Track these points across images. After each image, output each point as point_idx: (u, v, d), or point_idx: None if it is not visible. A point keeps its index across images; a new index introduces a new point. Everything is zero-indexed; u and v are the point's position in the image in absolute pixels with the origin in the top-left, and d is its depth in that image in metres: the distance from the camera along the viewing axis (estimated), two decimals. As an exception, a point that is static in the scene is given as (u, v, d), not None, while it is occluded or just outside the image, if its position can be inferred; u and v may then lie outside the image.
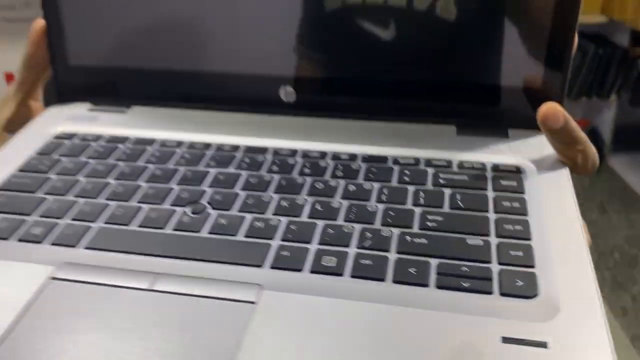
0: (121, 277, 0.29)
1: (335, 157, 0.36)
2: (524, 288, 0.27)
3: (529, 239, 0.30)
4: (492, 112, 0.39)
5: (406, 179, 0.35)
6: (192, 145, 0.37)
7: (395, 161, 0.36)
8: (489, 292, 0.27)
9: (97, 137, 0.38)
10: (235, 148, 0.37)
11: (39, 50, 0.41)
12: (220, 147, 0.37)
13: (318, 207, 0.32)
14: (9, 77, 1.37)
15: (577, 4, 0.36)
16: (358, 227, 0.31)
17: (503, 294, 0.27)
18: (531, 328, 0.25)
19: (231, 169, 0.35)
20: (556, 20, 0.36)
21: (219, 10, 0.38)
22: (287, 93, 0.39)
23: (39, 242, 0.31)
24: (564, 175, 0.35)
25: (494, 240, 0.30)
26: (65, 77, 0.41)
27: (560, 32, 0.36)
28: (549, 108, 0.35)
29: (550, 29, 0.36)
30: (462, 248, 0.30)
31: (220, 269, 0.29)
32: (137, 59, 0.41)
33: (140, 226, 0.32)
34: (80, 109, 0.41)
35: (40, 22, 0.41)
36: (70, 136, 0.39)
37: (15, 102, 0.42)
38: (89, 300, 0.28)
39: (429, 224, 0.31)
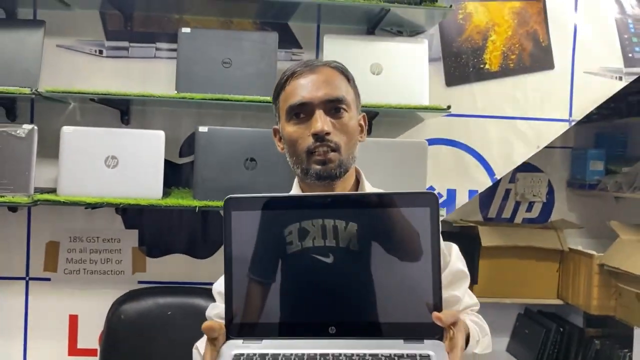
0: None
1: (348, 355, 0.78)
2: None
3: None
4: (412, 331, 0.81)
5: None
6: (296, 355, 0.79)
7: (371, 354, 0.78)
8: None
9: (253, 354, 0.80)
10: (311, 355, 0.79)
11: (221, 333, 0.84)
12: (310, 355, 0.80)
13: None
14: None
15: (439, 276, 0.81)
16: None
17: None
18: None
19: None
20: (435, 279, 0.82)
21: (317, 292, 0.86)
22: (332, 329, 0.83)
23: None
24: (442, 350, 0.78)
25: None
26: (230, 332, 0.84)
27: (437, 287, 0.81)
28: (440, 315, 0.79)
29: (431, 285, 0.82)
30: None
31: None
32: (267, 318, 0.84)
33: None
34: (239, 341, 0.83)
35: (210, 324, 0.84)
36: (240, 354, 0.81)
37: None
38: None
39: None
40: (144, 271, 2.09)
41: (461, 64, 2.17)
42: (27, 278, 2.07)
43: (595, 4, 2.24)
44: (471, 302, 1.21)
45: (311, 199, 0.86)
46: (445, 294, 1.10)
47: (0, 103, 1.97)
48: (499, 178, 2.20)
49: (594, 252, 2.74)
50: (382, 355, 0.76)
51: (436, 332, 0.80)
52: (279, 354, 0.78)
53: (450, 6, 1.86)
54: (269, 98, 1.80)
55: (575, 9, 2.22)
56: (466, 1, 2.17)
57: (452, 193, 2.19)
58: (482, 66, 2.18)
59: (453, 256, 1.21)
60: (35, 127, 1.79)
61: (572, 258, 2.88)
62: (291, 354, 0.77)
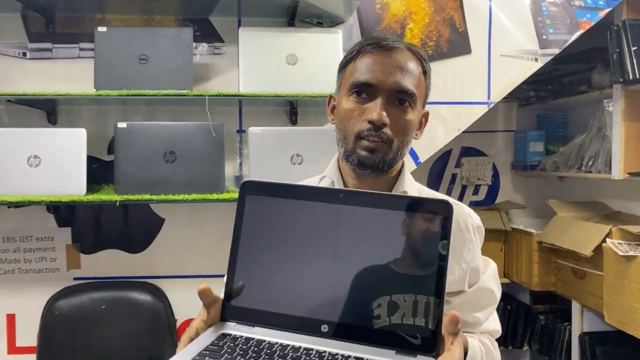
0: None
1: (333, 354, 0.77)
2: None
3: None
4: (406, 343, 0.77)
5: None
6: (281, 344, 0.78)
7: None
8: None
9: (240, 336, 0.80)
10: (296, 347, 0.78)
11: (216, 304, 0.82)
12: (294, 347, 0.78)
13: None
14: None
15: (442, 291, 0.76)
16: None
17: None
18: None
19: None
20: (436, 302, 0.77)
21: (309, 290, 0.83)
22: (324, 327, 0.80)
23: None
24: None
25: None
26: (225, 312, 0.83)
27: (437, 308, 0.76)
28: (455, 317, 0.76)
29: (433, 299, 0.77)
30: None
31: None
32: (263, 306, 0.82)
33: None
34: (231, 324, 0.82)
35: (205, 287, 0.81)
36: (228, 334, 0.80)
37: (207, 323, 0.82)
38: None
39: None
40: (78, 268, 2.13)
41: (381, 52, 2.22)
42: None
43: (510, -12, 2.31)
44: (492, 328, 1.10)
45: (329, 193, 0.84)
46: (466, 314, 1.03)
47: None
48: (422, 162, 2.25)
49: (533, 231, 2.82)
50: (367, 359, 0.74)
51: (431, 349, 0.76)
52: (264, 341, 0.77)
53: (358, -5, 1.92)
54: (185, 92, 1.88)
55: (491, -6, 2.29)
56: (384, -10, 2.24)
57: (378, 178, 2.24)
58: (401, 53, 2.23)
59: (487, 274, 1.10)
60: (-46, 130, 1.83)
61: (515, 237, 2.97)
62: (276, 343, 0.77)
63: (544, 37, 2.24)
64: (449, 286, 0.99)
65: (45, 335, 1.99)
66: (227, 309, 0.83)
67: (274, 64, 1.95)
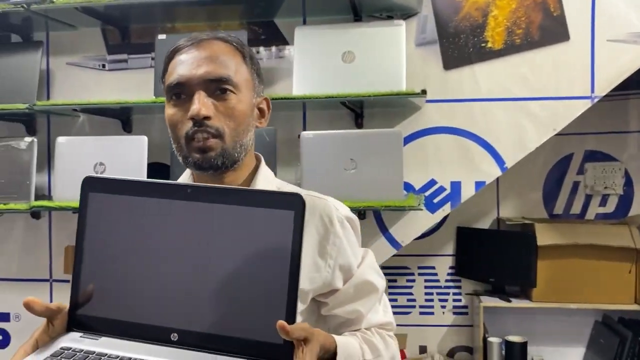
0: None
1: None
2: None
3: None
4: (260, 350, 0.72)
5: None
6: (121, 358, 0.73)
7: None
8: None
9: (80, 350, 0.74)
10: None
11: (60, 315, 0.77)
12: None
13: None
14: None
15: (295, 292, 0.71)
16: None
17: None
18: None
19: None
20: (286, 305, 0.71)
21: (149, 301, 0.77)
22: (174, 336, 0.75)
23: None
24: None
25: None
26: (71, 322, 0.78)
27: (291, 301, 0.71)
28: (285, 325, 0.68)
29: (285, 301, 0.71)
30: None
31: None
32: (107, 314, 0.77)
33: None
34: (76, 335, 0.77)
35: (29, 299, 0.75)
36: (67, 348, 0.75)
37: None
38: None
39: None
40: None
41: (460, 45, 1.99)
42: (51, 280, 2.25)
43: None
44: (382, 320, 1.05)
45: (174, 188, 0.78)
46: (345, 308, 1.01)
47: (16, 119, 2.17)
48: (509, 167, 1.97)
49: (671, 250, 2.39)
50: None
51: (285, 356, 0.71)
52: (104, 354, 0.73)
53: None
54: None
55: (594, -31, 1.96)
56: (464, -23, 2.00)
57: (456, 186, 2.01)
58: (483, 45, 1.98)
59: (363, 266, 1.05)
60: (35, 139, 1.96)
61: (650, 258, 2.53)
62: (117, 356, 0.72)
63: (666, 14, 1.85)
64: (320, 286, 0.98)
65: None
66: (72, 319, 0.77)
67: (329, 63, 1.83)
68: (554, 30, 1.93)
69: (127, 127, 2.16)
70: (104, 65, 2.19)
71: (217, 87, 0.94)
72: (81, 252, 0.79)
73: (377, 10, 1.98)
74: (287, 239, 0.72)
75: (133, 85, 2.16)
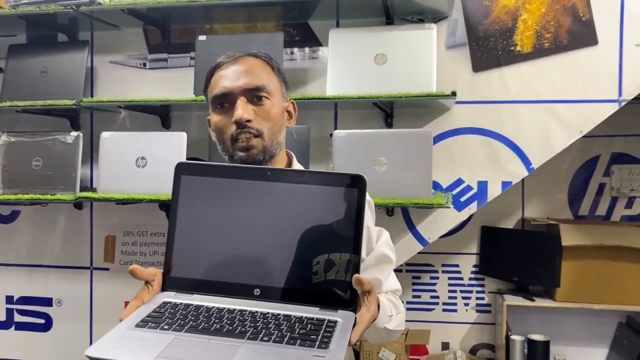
0: None
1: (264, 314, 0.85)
2: None
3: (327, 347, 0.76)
4: (329, 301, 0.87)
5: (284, 322, 0.83)
6: (217, 308, 0.86)
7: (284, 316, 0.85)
8: None
9: (180, 303, 0.87)
10: (231, 310, 0.86)
11: (156, 278, 0.91)
12: (229, 310, 0.86)
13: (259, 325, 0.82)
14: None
15: (359, 253, 0.87)
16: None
17: None
18: None
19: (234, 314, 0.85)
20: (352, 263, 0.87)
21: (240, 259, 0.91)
22: (257, 291, 0.89)
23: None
24: (352, 321, 0.83)
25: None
26: (165, 283, 0.91)
27: (356, 263, 0.87)
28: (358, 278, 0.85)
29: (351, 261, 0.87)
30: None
31: None
32: (201, 276, 0.90)
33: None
34: (171, 293, 0.90)
35: (133, 267, 0.90)
36: (168, 302, 0.87)
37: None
38: None
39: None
40: (185, 263, 2.27)
41: (489, 48, 2.04)
42: (91, 268, 2.36)
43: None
44: (394, 287, 1.25)
45: (255, 171, 0.92)
46: (367, 275, 1.14)
47: (62, 115, 2.28)
48: (535, 167, 2.02)
49: (698, 254, 2.39)
50: (294, 317, 0.83)
51: (350, 304, 0.87)
52: (202, 306, 0.85)
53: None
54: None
55: (624, -25, 1.98)
56: (495, -19, 2.05)
57: (483, 185, 2.06)
58: (512, 48, 2.03)
59: (381, 241, 1.24)
60: (80, 134, 2.06)
61: (673, 260, 2.53)
62: (213, 307, 0.85)
63: (695, 20, 1.88)
64: None
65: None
66: (167, 281, 0.90)
67: (362, 65, 1.89)
68: (582, 34, 1.97)
69: (165, 123, 2.25)
70: (145, 64, 2.29)
71: (254, 94, 1.13)
72: (174, 224, 0.91)
73: (409, 13, 2.04)
74: (352, 211, 0.88)
75: (172, 83, 2.25)
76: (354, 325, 0.83)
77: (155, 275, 0.90)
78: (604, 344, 2.60)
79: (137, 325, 0.79)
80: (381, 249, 1.23)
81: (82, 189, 2.09)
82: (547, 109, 1.99)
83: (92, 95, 2.32)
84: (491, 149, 2.06)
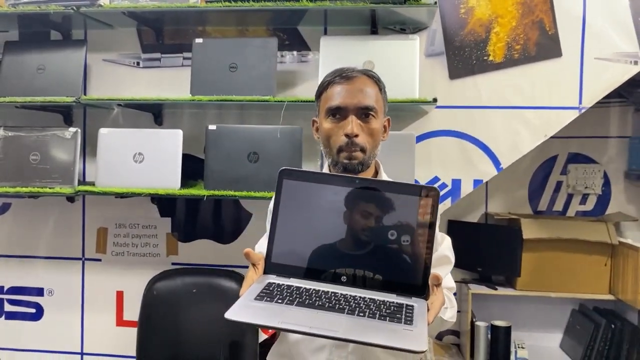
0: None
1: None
2: None
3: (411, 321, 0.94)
4: (405, 289, 1.04)
5: (371, 303, 1.00)
6: (313, 289, 1.03)
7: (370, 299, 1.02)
8: None
9: (283, 284, 1.04)
10: (325, 291, 1.04)
11: (261, 262, 1.09)
12: (324, 291, 1.03)
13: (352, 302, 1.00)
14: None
15: (431, 250, 1.04)
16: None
17: None
18: None
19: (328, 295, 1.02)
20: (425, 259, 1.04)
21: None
22: (344, 278, 1.06)
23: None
24: (425, 306, 1.01)
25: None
26: (268, 268, 1.08)
27: (429, 260, 1.04)
28: (438, 274, 1.03)
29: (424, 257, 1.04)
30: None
31: None
32: (297, 263, 1.08)
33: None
34: (272, 276, 1.07)
35: (248, 250, 1.10)
36: (272, 283, 1.04)
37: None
38: None
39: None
40: (176, 254, 2.38)
41: (464, 57, 2.22)
42: (83, 258, 2.44)
43: (607, -13, 2.18)
44: (450, 285, 1.40)
45: (345, 179, 1.09)
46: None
47: (57, 110, 2.35)
48: (504, 167, 2.21)
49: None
50: (378, 300, 1.00)
51: (423, 293, 1.03)
52: (301, 287, 1.03)
53: (435, 2, 1.94)
54: (267, 98, 2.03)
55: (585, -6, 2.19)
56: (470, -5, 2.22)
57: (457, 183, 2.24)
58: (485, 58, 2.21)
59: (444, 245, 1.40)
60: (79, 130, 2.14)
61: (622, 252, 2.76)
62: (310, 288, 1.02)
63: (646, 38, 2.09)
64: None
65: (145, 312, 2.25)
66: (270, 265, 1.08)
67: (352, 71, 2.03)
68: (548, 47, 2.17)
69: (158, 120, 2.35)
70: (138, 63, 2.38)
71: (364, 112, 1.30)
72: (275, 220, 1.09)
73: (392, 23, 2.19)
74: (427, 217, 1.04)
75: (165, 82, 2.35)
76: (427, 310, 0.99)
77: (260, 260, 1.08)
78: (559, 329, 2.77)
79: (256, 299, 0.98)
80: (444, 252, 1.39)
81: (77, 183, 2.17)
82: (515, 114, 2.19)
83: (85, 93, 2.39)
84: (465, 150, 2.24)
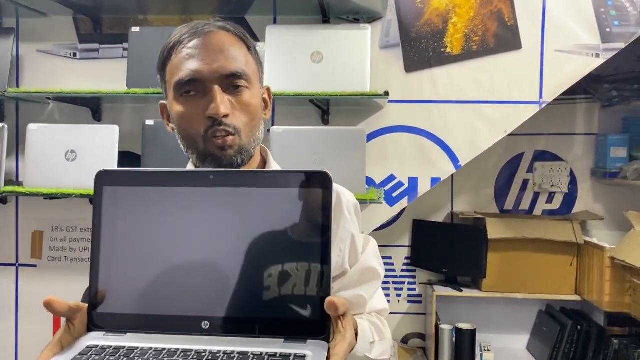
0: None
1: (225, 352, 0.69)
2: None
3: None
4: (294, 330, 0.71)
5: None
6: (155, 349, 0.70)
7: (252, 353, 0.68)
8: None
9: (108, 346, 0.70)
10: (172, 350, 0.70)
11: (79, 314, 0.73)
12: (170, 351, 0.69)
13: None
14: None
15: (328, 269, 0.70)
16: None
17: None
18: None
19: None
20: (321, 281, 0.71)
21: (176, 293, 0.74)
22: (205, 324, 0.72)
23: None
24: (325, 352, 0.68)
25: None
26: (91, 322, 0.74)
27: (323, 288, 0.70)
28: (331, 302, 0.67)
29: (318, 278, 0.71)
30: None
31: None
32: (130, 310, 0.73)
33: None
34: (99, 334, 0.73)
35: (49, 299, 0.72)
36: (94, 346, 0.70)
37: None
38: None
39: None
40: (117, 258, 2.23)
41: (421, 49, 2.11)
42: (17, 264, 2.28)
43: (567, -22, 2.10)
44: (380, 307, 1.07)
45: (194, 176, 0.75)
46: (349, 293, 0.99)
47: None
48: (463, 165, 2.11)
49: (606, 245, 2.55)
50: (251, 354, 0.68)
51: (321, 332, 0.71)
52: (136, 348, 0.69)
53: (387, -11, 1.83)
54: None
55: (545, -16, 2.10)
56: (428, -16, 2.12)
57: (414, 181, 2.14)
58: (443, 50, 2.11)
59: (367, 252, 1.05)
60: (5, 125, 1.98)
61: (587, 251, 2.70)
62: (149, 348, 0.69)
63: (608, 30, 2.00)
64: (333, 269, 0.95)
65: (82, 321, 2.10)
66: (93, 318, 0.73)
67: (299, 63, 1.92)
68: (507, 39, 2.07)
69: (96, 116, 2.20)
70: (75, 54, 2.22)
71: (231, 82, 0.90)
72: (98, 248, 0.75)
73: (344, 12, 2.07)
74: (316, 218, 0.71)
75: (104, 74, 2.20)
76: (328, 359, 0.68)
77: (78, 311, 0.73)
78: (525, 331, 2.73)
79: None
80: (368, 262, 1.03)
81: (7, 183, 2.01)
82: (474, 109, 2.09)
83: (17, 86, 2.23)
84: (421, 147, 2.14)
